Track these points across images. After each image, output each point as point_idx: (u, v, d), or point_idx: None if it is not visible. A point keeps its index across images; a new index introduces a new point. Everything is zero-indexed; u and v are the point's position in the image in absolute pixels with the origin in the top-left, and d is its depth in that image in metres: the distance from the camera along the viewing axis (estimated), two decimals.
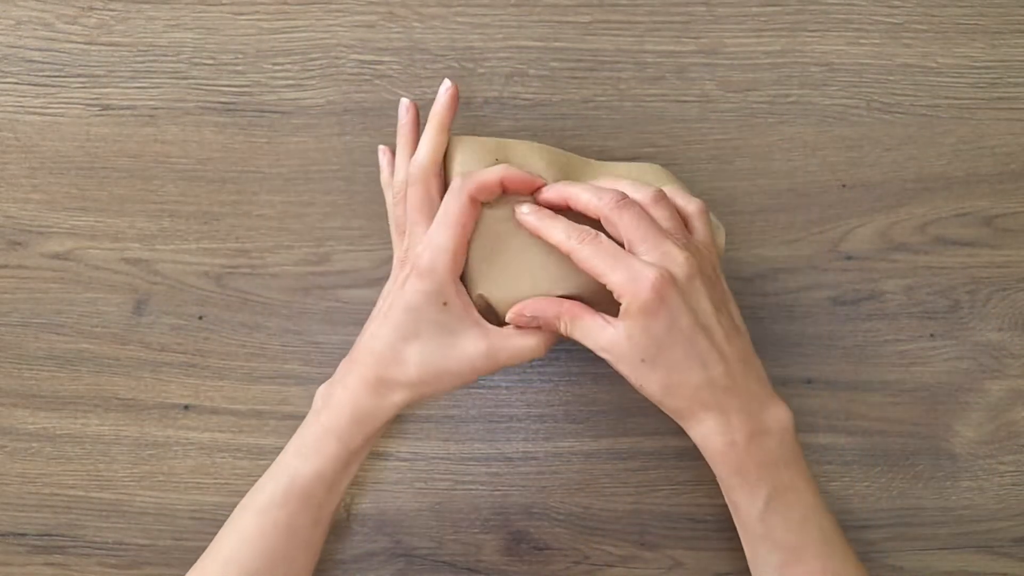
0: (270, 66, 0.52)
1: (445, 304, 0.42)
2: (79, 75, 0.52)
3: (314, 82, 0.52)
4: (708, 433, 0.41)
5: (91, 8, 0.52)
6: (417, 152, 0.45)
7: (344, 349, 0.52)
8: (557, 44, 0.52)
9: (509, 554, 0.51)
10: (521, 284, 0.43)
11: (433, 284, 0.42)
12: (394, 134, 0.52)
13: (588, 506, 0.51)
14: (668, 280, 0.39)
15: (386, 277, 0.52)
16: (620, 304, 0.40)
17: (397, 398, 0.44)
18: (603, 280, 0.40)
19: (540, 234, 0.42)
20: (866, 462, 0.51)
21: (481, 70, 0.52)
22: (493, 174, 0.42)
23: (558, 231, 0.41)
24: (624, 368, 0.41)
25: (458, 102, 0.45)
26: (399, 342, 0.43)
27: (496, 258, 0.43)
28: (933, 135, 0.52)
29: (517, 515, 0.51)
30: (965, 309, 0.52)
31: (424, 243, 0.43)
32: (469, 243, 0.43)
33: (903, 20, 0.52)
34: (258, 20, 0.52)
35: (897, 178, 0.52)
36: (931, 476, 0.51)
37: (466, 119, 0.52)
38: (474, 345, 0.43)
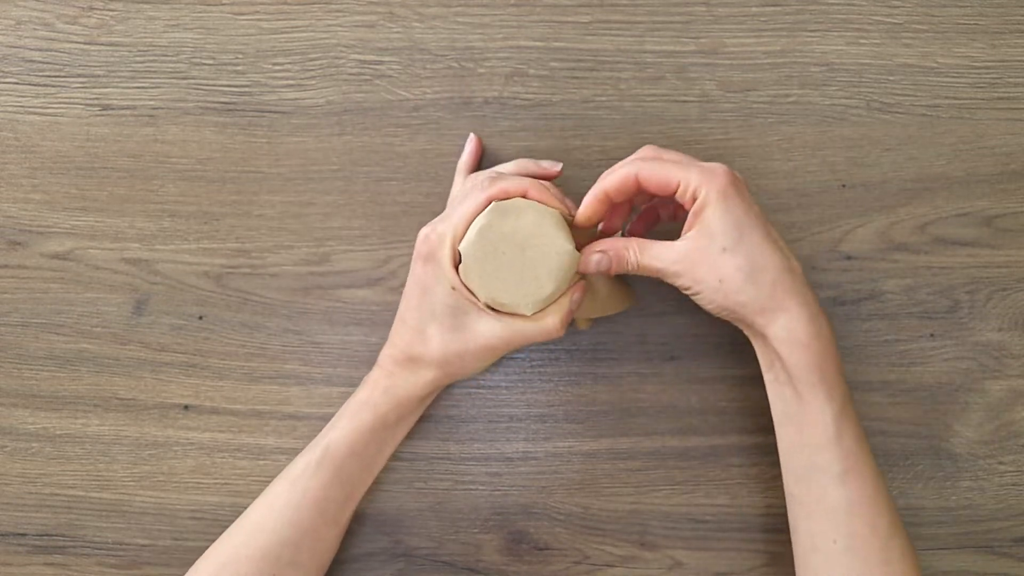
0: (270, 66, 0.52)
1: (454, 288, 0.43)
2: (79, 75, 0.52)
3: (314, 82, 0.52)
4: (794, 321, 0.41)
5: (91, 8, 0.52)
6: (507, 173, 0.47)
7: (344, 349, 0.52)
8: (557, 44, 0.52)
9: (509, 554, 0.51)
10: (527, 287, 0.43)
11: (438, 269, 0.43)
12: (394, 134, 0.52)
13: (588, 506, 0.51)
14: (735, 175, 0.41)
15: (386, 277, 0.52)
16: (683, 218, 0.42)
17: (427, 375, 0.45)
18: (676, 181, 0.41)
19: (604, 182, 0.43)
20: None
21: (481, 70, 0.52)
22: (519, 187, 0.43)
23: (622, 164, 0.43)
24: (702, 270, 0.41)
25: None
26: (421, 321, 0.44)
27: (502, 267, 0.43)
28: (933, 135, 0.52)
29: (517, 515, 0.51)
30: (965, 309, 0.52)
31: (431, 229, 0.44)
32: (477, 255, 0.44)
33: (903, 20, 0.52)
34: (258, 20, 0.52)
35: (897, 178, 0.52)
36: (931, 476, 0.51)
37: (466, 119, 0.52)
38: (489, 327, 0.44)
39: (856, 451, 0.42)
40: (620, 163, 0.43)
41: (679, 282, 0.42)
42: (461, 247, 0.43)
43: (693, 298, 0.42)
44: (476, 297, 0.43)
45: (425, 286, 0.44)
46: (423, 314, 0.44)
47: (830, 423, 0.41)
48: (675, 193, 0.41)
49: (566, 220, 0.44)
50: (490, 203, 0.43)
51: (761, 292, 0.41)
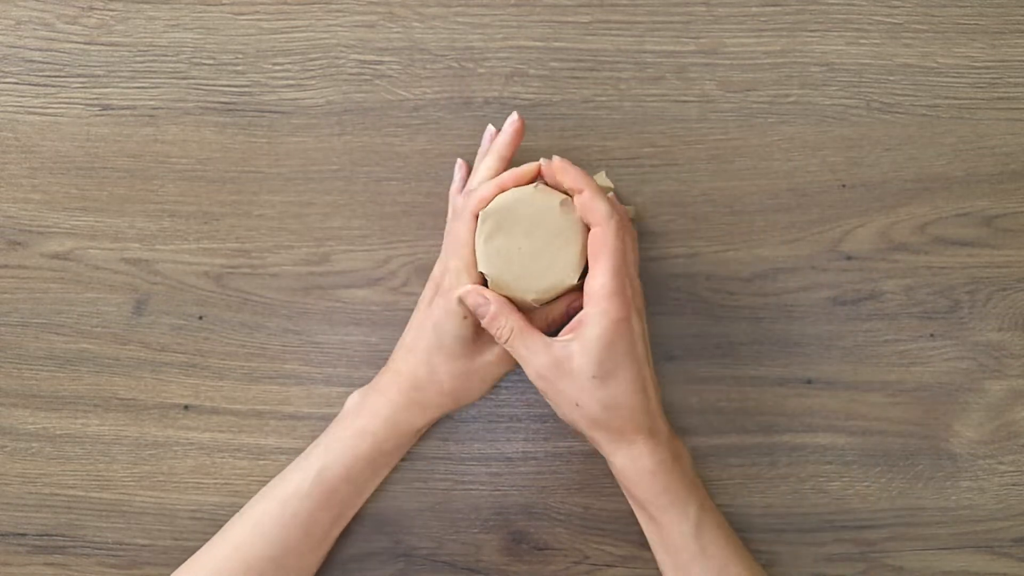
0: (270, 66, 0.52)
1: (465, 318, 0.44)
2: (79, 75, 0.52)
3: (314, 82, 0.52)
4: (639, 455, 0.42)
5: (91, 8, 0.52)
6: (474, 182, 0.46)
7: (344, 349, 0.52)
8: (557, 44, 0.52)
9: (509, 554, 0.51)
10: (529, 271, 0.43)
11: (453, 302, 0.44)
12: (393, 134, 0.52)
13: (588, 506, 0.51)
14: (634, 310, 0.41)
15: (386, 277, 0.52)
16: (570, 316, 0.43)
17: (434, 406, 0.46)
18: (598, 269, 0.40)
19: (577, 183, 0.42)
20: (866, 462, 0.51)
21: (481, 70, 0.52)
22: (490, 189, 0.43)
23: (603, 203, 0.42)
24: (563, 384, 0.41)
25: (523, 136, 0.47)
26: (432, 357, 0.45)
27: (507, 260, 0.44)
28: (933, 135, 0.52)
29: (517, 515, 0.51)
30: (965, 309, 0.52)
31: (442, 267, 0.45)
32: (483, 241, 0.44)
33: (903, 20, 0.52)
34: (258, 20, 0.52)
35: (897, 178, 0.52)
36: (931, 476, 0.51)
37: (466, 119, 0.52)
38: (493, 351, 0.46)
39: (724, 559, 0.43)
40: (603, 208, 0.41)
41: (538, 384, 0.43)
42: (477, 246, 0.43)
43: (546, 400, 0.44)
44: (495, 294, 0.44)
45: (439, 322, 0.44)
46: (435, 348, 0.45)
47: (691, 540, 0.43)
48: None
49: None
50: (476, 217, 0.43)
51: (612, 426, 0.42)
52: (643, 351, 0.42)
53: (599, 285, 0.40)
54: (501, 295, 0.44)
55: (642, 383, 0.42)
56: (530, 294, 0.43)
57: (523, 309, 0.44)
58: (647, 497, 0.43)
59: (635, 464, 0.42)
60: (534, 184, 0.43)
